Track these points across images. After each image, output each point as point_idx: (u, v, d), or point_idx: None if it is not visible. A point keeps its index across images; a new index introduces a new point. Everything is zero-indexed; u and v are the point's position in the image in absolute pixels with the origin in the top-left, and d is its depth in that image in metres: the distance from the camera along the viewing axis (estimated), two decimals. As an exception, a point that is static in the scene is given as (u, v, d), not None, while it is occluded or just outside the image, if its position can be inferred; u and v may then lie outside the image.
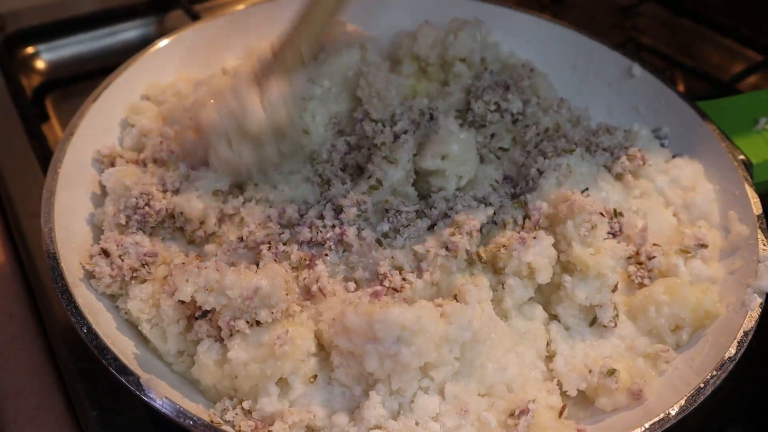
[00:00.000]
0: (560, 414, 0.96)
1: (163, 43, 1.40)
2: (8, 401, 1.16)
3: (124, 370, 0.89)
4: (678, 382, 0.98)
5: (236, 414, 0.94)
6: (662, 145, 1.34)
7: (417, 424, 0.92)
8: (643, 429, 0.88)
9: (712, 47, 1.96)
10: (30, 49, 1.80)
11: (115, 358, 0.90)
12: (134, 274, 1.04)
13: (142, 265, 1.05)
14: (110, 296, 1.06)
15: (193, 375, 0.98)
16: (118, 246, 1.06)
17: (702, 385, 0.93)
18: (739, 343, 0.98)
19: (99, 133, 1.24)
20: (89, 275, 1.05)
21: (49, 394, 1.17)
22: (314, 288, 1.00)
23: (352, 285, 1.03)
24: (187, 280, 0.93)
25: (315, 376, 0.96)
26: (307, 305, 1.00)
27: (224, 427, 0.88)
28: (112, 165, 1.20)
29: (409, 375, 0.91)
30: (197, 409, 0.90)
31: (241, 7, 1.60)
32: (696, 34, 2.00)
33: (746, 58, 1.90)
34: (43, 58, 1.81)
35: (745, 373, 1.01)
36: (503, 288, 1.04)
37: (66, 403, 1.16)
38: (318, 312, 0.99)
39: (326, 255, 1.04)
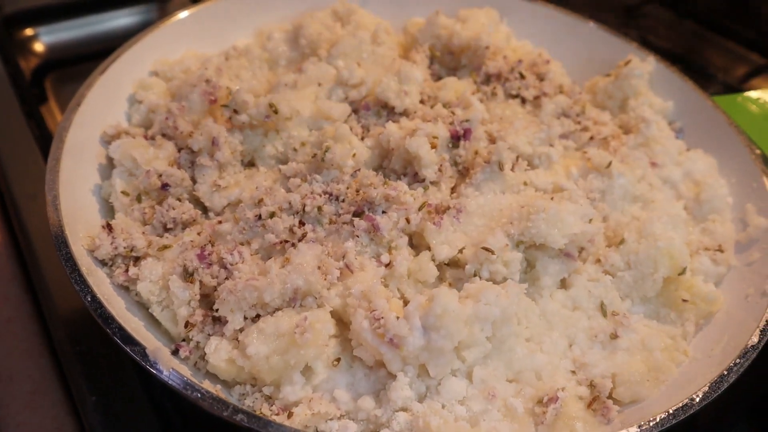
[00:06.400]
0: (589, 405, 0.93)
1: (174, 19, 1.36)
2: (1, 385, 1.11)
3: (130, 339, 0.85)
4: (698, 370, 0.96)
5: (256, 399, 0.91)
6: (677, 138, 1.32)
7: (443, 407, 0.89)
8: (667, 414, 0.86)
9: (714, 49, 1.96)
10: (29, 31, 1.76)
11: (120, 328, 0.86)
12: (133, 254, 1.02)
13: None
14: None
15: (209, 370, 0.94)
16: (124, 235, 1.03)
17: (725, 372, 0.91)
18: (762, 331, 0.96)
19: (106, 105, 1.20)
20: (102, 264, 1.01)
21: (45, 378, 1.13)
22: (341, 264, 0.97)
23: (385, 257, 1.00)
24: (231, 310, 0.92)
25: (338, 360, 0.93)
26: (335, 282, 0.96)
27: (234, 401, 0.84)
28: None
29: (446, 358, 0.89)
30: (205, 383, 0.86)
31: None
32: (699, 37, 2.00)
33: (749, 61, 1.90)
34: (42, 40, 1.76)
35: (752, 373, 1.00)
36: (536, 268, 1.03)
37: (63, 387, 1.12)
38: (346, 287, 0.95)
39: (357, 236, 1.01)
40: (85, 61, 1.68)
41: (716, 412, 1.16)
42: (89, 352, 1.10)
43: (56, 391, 1.12)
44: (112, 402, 1.03)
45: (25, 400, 1.10)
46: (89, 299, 0.88)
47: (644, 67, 1.37)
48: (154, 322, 0.99)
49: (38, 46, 1.76)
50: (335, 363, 0.93)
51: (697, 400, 0.88)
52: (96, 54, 1.61)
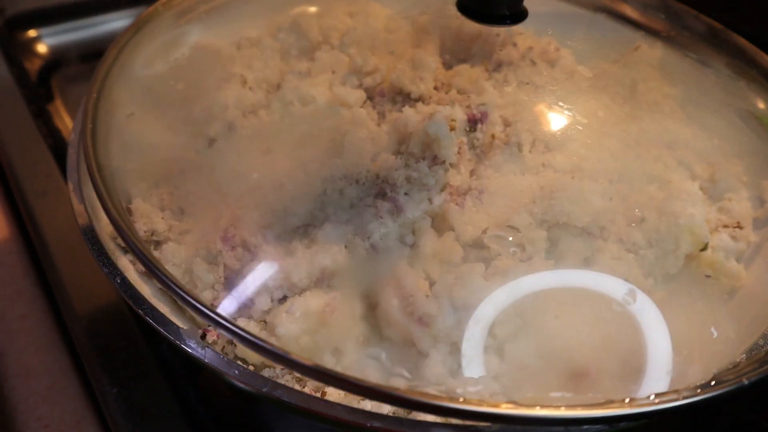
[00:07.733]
0: None
1: (186, 9, 1.36)
2: (19, 380, 1.10)
3: (163, 320, 0.84)
4: (728, 342, 0.96)
5: (287, 381, 0.89)
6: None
7: (477, 383, 0.88)
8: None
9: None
10: (32, 33, 1.76)
11: (152, 308, 0.85)
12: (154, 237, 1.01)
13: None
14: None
15: (237, 354, 0.92)
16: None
17: (761, 342, 0.91)
18: (793, 299, 0.96)
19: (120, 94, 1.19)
20: (123, 251, 0.99)
21: (63, 372, 1.12)
22: (366, 245, 0.96)
23: (410, 238, 0.99)
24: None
25: (368, 339, 0.92)
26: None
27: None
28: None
29: (476, 335, 0.88)
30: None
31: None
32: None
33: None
34: (45, 41, 1.76)
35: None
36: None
37: (81, 381, 1.11)
38: (372, 267, 0.94)
39: (380, 218, 1.00)
40: (88, 61, 1.68)
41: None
42: (108, 345, 1.09)
43: (74, 385, 1.11)
44: (134, 393, 1.03)
45: (43, 395, 1.09)
46: (119, 281, 0.87)
47: (652, 53, 1.38)
48: (177, 308, 0.98)
49: (41, 48, 1.76)
50: (365, 343, 0.92)
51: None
52: (99, 55, 1.61)
